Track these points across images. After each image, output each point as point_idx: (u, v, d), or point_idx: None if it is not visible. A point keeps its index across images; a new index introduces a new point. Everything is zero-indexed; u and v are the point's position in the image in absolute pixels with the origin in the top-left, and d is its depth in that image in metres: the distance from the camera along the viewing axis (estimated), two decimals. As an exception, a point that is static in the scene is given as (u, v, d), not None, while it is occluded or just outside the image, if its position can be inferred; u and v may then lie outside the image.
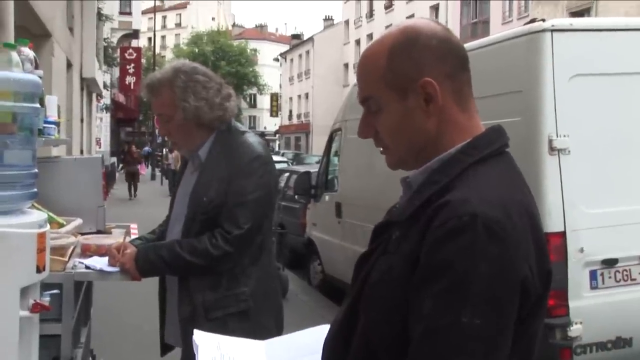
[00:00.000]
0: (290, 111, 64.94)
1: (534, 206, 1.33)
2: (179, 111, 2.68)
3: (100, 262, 2.79)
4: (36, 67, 2.75)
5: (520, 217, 1.22)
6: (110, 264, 2.75)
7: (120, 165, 29.73)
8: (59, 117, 3.63)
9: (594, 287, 3.95)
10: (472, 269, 1.15)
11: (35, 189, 1.96)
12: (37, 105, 1.99)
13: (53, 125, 3.28)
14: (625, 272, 4.01)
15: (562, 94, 3.94)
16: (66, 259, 2.76)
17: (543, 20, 4.21)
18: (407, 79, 1.33)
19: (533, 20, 4.35)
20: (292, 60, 64.79)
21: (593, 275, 3.95)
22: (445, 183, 1.28)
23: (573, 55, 4.01)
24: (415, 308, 1.19)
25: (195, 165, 2.82)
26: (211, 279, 2.65)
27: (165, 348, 2.95)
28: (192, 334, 2.52)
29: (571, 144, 3.93)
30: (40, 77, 2.59)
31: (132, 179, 23.43)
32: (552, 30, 3.98)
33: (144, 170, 28.60)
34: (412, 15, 38.67)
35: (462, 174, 1.28)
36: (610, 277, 3.99)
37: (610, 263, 3.97)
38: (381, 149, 1.42)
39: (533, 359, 1.30)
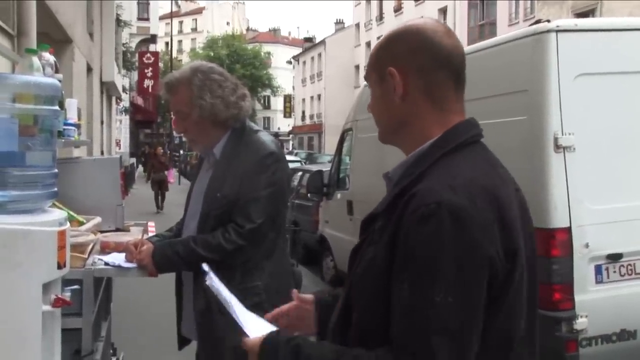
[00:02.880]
0: (303, 112, 65.02)
1: (503, 189, 1.41)
2: (196, 109, 2.76)
3: (118, 259, 2.87)
4: (56, 71, 2.85)
5: (485, 202, 1.32)
6: (128, 259, 2.83)
7: (142, 168, 27.65)
8: (79, 119, 3.74)
9: (599, 282, 4.00)
10: (439, 252, 1.26)
11: (56, 189, 2.00)
12: (57, 108, 2.02)
13: (73, 127, 3.38)
14: (629, 267, 4.06)
15: (567, 92, 3.99)
16: (86, 256, 2.83)
17: (548, 21, 4.25)
18: (382, 65, 1.50)
19: (538, 21, 4.40)
20: (304, 62, 64.85)
21: (598, 269, 4.00)
22: (417, 174, 1.39)
23: (578, 55, 4.05)
24: (394, 293, 1.30)
25: (210, 162, 2.90)
26: (225, 273, 2.63)
27: (183, 341, 3.02)
28: (207, 327, 2.63)
29: (576, 141, 3.97)
30: (60, 81, 2.68)
31: (160, 187, 19.55)
32: (557, 31, 4.03)
33: (172, 178, 23.08)
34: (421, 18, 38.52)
35: (433, 165, 1.40)
36: (615, 272, 4.04)
37: (615, 258, 4.02)
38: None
39: (517, 336, 1.39)
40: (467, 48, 5.54)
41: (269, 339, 1.50)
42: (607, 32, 4.21)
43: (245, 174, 2.71)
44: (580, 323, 3.88)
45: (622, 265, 4.05)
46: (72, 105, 3.51)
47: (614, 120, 4.11)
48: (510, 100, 4.30)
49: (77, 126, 3.56)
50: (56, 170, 2.02)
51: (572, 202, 3.95)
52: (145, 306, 7.23)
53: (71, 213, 3.17)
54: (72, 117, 3.48)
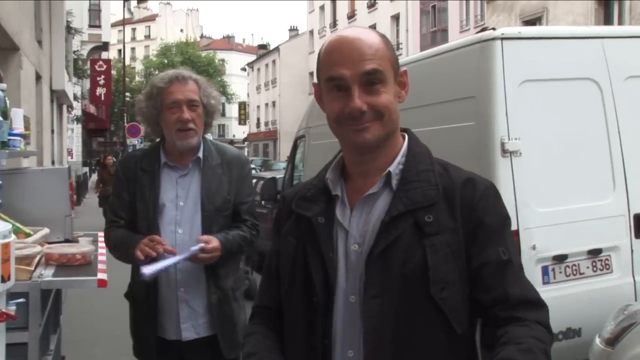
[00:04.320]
0: (258, 119, 64.97)
1: None
2: (202, 104, 2.94)
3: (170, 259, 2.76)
4: (0, 81, 2.82)
5: None
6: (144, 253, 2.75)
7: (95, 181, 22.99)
8: (25, 129, 3.68)
9: (546, 282, 4.07)
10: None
11: (0, 200, 2.00)
12: (0, 118, 2.03)
13: (19, 138, 3.32)
14: (574, 267, 4.16)
15: (513, 99, 4.07)
16: (32, 268, 2.80)
17: (494, 29, 4.36)
18: (397, 65, 1.58)
19: (484, 29, 4.50)
20: (259, 69, 64.81)
21: (545, 270, 4.09)
22: (437, 169, 1.58)
23: (522, 62, 4.14)
24: (489, 255, 1.51)
25: (187, 167, 2.96)
26: (234, 265, 3.04)
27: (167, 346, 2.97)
28: (225, 315, 2.88)
29: (522, 146, 4.05)
30: (4, 91, 2.66)
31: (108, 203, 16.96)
32: (502, 39, 4.12)
33: None
34: (374, 25, 39.07)
35: (433, 159, 1.61)
36: (560, 272, 4.13)
37: (560, 259, 4.11)
38: (366, 124, 1.53)
39: None
40: (416, 55, 5.62)
41: None
42: (550, 40, 4.33)
43: (239, 178, 3.03)
44: (529, 323, 3.96)
45: (567, 266, 4.15)
46: (17, 115, 3.45)
47: (558, 125, 4.21)
48: (458, 106, 4.37)
49: (23, 136, 3.50)
50: (0, 182, 1.99)
51: (519, 205, 4.02)
52: (98, 317, 7.12)
53: (17, 225, 3.13)
54: (18, 127, 3.41)
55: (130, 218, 2.96)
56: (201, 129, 2.96)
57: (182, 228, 2.89)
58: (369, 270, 1.52)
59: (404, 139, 1.65)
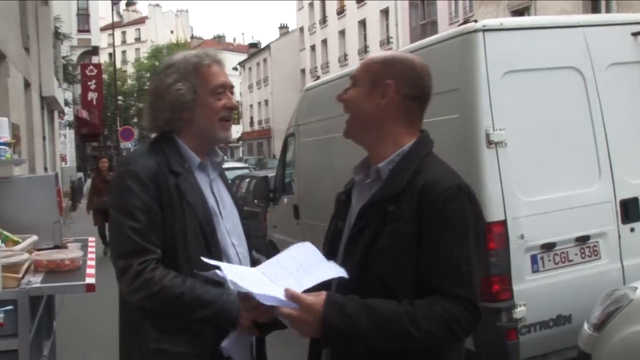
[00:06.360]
0: (252, 118, 65.09)
1: None
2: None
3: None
4: (-17, 92, 2.84)
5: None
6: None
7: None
8: (12, 137, 3.70)
9: (535, 271, 4.12)
10: (467, 221, 1.81)
11: (-16, 210, 2.01)
12: (-19, 129, 2.05)
13: (5, 147, 3.35)
14: (563, 255, 4.20)
15: (496, 90, 4.10)
16: (20, 276, 2.79)
17: (475, 21, 4.39)
18: (382, 75, 1.94)
19: (466, 21, 4.54)
20: (250, 68, 64.91)
21: (534, 259, 4.13)
22: (415, 169, 1.87)
23: (504, 53, 4.17)
24: (432, 253, 1.77)
25: (211, 169, 2.47)
26: None
27: None
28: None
29: (507, 136, 4.08)
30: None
31: (105, 219, 11.84)
32: (484, 30, 4.14)
33: None
34: (363, 20, 39.06)
35: (422, 162, 1.89)
36: (549, 260, 4.17)
37: (549, 247, 4.15)
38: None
39: None
40: (401, 50, 5.65)
41: (331, 296, 1.79)
42: (531, 30, 4.36)
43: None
44: (519, 312, 4.00)
45: (556, 254, 4.19)
46: (2, 125, 3.46)
47: (542, 115, 4.24)
48: (443, 99, 4.35)
49: (10, 145, 3.51)
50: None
51: (506, 195, 4.06)
52: (95, 322, 7.13)
53: (5, 233, 3.14)
54: (4, 136, 3.44)
55: (161, 243, 2.22)
56: None
57: (236, 239, 2.42)
58: (347, 245, 1.93)
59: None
